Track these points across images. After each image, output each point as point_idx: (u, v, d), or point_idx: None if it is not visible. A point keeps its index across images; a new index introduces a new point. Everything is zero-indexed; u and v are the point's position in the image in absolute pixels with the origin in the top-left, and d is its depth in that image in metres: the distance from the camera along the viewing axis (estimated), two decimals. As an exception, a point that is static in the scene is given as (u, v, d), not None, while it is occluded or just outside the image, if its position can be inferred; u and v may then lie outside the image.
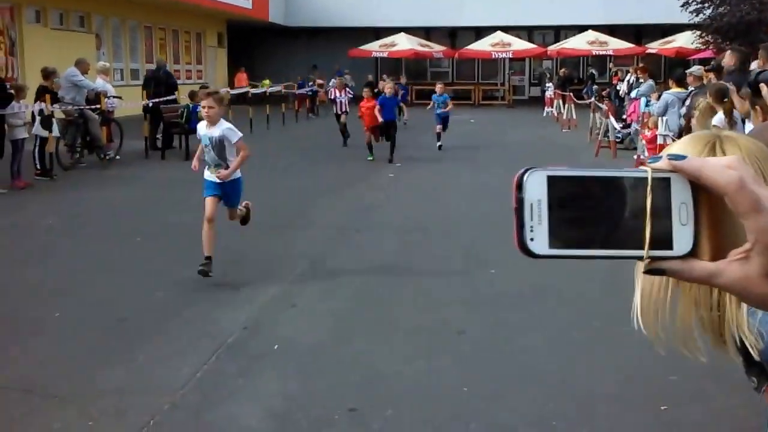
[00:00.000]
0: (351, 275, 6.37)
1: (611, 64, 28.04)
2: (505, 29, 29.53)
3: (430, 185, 11.08)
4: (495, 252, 7.01)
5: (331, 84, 21.81)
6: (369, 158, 13.46)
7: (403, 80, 24.80)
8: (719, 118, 8.16)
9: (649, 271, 0.70)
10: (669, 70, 22.92)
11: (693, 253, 0.68)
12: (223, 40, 30.71)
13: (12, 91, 10.28)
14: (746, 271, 0.67)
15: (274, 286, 5.97)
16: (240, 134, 6.20)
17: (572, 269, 6.13)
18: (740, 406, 3.78)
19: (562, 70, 26.76)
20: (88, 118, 12.19)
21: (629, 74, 19.05)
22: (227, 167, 6.10)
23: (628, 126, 15.29)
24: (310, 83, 25.25)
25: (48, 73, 11.55)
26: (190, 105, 13.78)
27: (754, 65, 10.45)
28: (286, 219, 8.61)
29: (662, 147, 11.04)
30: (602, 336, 4.87)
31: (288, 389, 4.09)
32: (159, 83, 15.81)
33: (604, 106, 15.56)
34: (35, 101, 11.11)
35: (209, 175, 6.18)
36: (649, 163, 0.69)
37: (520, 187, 0.67)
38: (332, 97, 16.70)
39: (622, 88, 18.28)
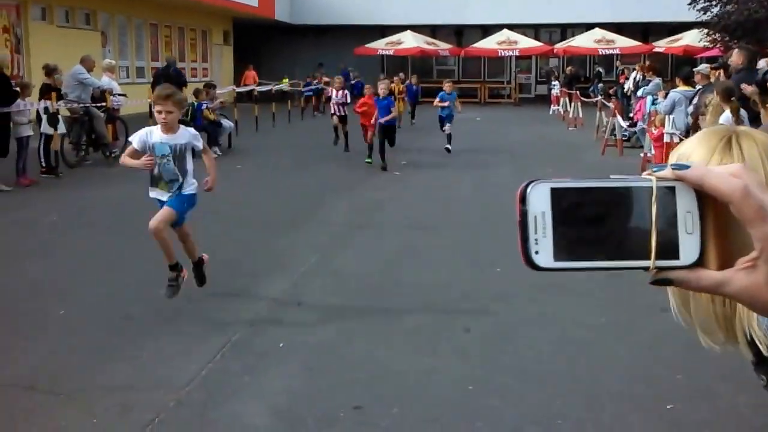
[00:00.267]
0: (356, 273, 6.36)
1: (618, 62, 27.99)
2: (512, 27, 29.47)
3: (435, 183, 11.05)
4: (500, 250, 6.99)
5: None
6: (367, 161, 12.58)
7: (413, 80, 23.09)
8: (726, 116, 8.12)
9: (655, 282, 0.69)
10: (676, 69, 22.87)
11: (700, 262, 0.68)
12: (229, 38, 30.72)
13: (17, 89, 10.28)
14: (753, 279, 0.66)
15: (279, 283, 5.95)
16: (203, 141, 5.55)
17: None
18: (746, 404, 3.76)
19: (569, 68, 26.70)
20: (93, 116, 12.19)
21: (635, 72, 18.99)
22: (182, 181, 5.27)
23: (635, 124, 15.25)
24: (315, 81, 25.24)
25: (50, 70, 11.55)
26: (195, 103, 13.78)
27: (762, 63, 10.41)
28: (291, 217, 8.60)
29: (669, 145, 11.00)
30: (608, 334, 4.85)
31: (293, 387, 4.08)
32: (169, 81, 15.80)
33: (610, 105, 15.52)
34: (40, 99, 11.11)
35: (159, 193, 5.31)
36: (654, 171, 0.68)
37: (523, 199, 0.66)
38: (328, 96, 15.55)
39: (628, 86, 18.23)
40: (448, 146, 14.12)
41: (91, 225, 8.12)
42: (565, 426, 3.65)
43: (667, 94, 11.97)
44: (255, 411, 3.78)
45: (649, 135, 12.40)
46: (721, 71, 11.93)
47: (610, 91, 19.18)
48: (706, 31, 21.05)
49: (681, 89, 11.23)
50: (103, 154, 12.47)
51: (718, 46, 20.57)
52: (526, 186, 0.66)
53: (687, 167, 0.67)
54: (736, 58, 9.84)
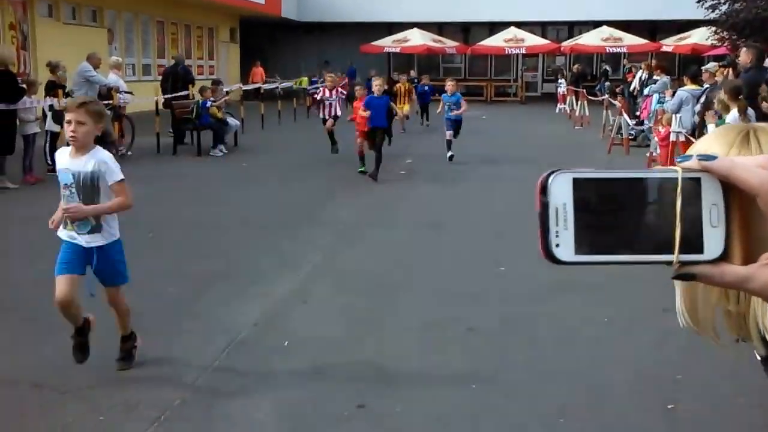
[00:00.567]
0: (362, 272, 6.37)
1: (625, 60, 27.90)
2: (519, 24, 29.42)
3: (441, 182, 11.05)
4: (505, 249, 7.00)
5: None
6: (360, 169, 11.36)
7: (425, 79, 21.20)
8: (733, 115, 8.11)
9: (678, 277, 0.67)
10: (683, 67, 22.82)
11: (723, 257, 0.65)
12: (236, 35, 30.74)
13: (24, 86, 10.29)
14: None
15: (285, 282, 5.97)
16: (121, 174, 4.21)
17: (581, 267, 6.11)
18: (747, 405, 3.78)
19: (575, 66, 26.64)
20: (100, 114, 12.20)
21: (641, 71, 18.95)
22: (98, 223, 4.09)
23: (642, 123, 15.22)
24: (321, 80, 25.21)
25: (53, 67, 11.60)
26: (200, 101, 13.80)
27: (770, 62, 10.36)
28: (297, 215, 8.61)
29: (675, 144, 10.98)
30: (610, 334, 4.87)
31: (298, 385, 4.09)
32: (177, 79, 15.85)
33: (617, 103, 15.48)
34: (45, 96, 11.13)
35: (68, 233, 4.09)
36: (678, 162, 0.66)
37: (544, 190, 0.64)
38: (319, 98, 13.54)
39: (634, 85, 18.19)
40: (450, 153, 12.72)
41: (97, 222, 8.13)
42: (568, 424, 3.66)
43: (674, 93, 11.96)
44: (260, 409, 3.80)
45: (655, 134, 12.38)
46: (730, 70, 11.92)
47: (617, 90, 19.15)
48: (714, 29, 20.98)
49: (688, 88, 11.22)
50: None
51: (725, 44, 20.50)
52: (548, 176, 0.65)
53: (714, 158, 0.65)
54: (744, 56, 9.82)
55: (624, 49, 28.21)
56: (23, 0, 17.81)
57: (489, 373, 4.24)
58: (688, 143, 10.59)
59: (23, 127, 10.28)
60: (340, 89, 13.45)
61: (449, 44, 30.81)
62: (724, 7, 20.07)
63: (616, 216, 0.64)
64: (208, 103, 13.69)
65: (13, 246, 7.12)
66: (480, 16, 30.49)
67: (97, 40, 19.46)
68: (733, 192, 0.65)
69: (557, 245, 0.64)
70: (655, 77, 16.09)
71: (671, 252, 0.64)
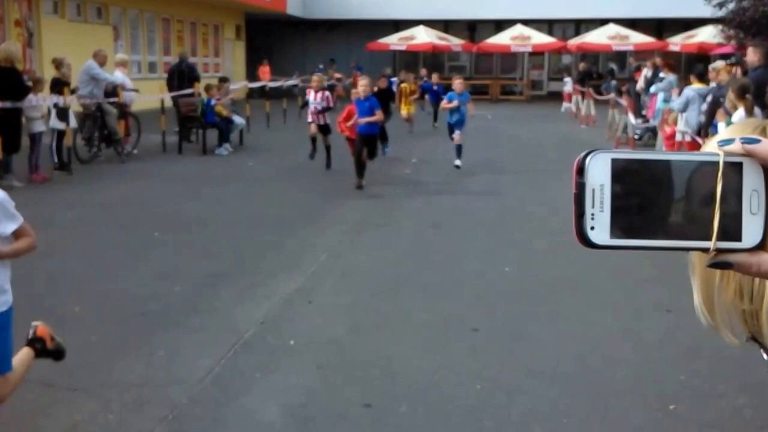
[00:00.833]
0: (367, 271, 6.40)
1: (632, 58, 27.84)
2: (526, 22, 29.38)
3: (446, 182, 11.07)
4: (509, 250, 7.02)
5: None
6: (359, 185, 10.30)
7: (435, 78, 20.22)
8: (740, 114, 8.12)
9: (714, 265, 0.64)
10: (689, 65, 22.72)
11: (761, 246, 0.63)
12: (242, 32, 30.77)
13: (30, 84, 10.29)
14: None
15: (290, 281, 6.00)
16: (20, 216, 3.44)
17: (585, 266, 6.14)
18: (748, 405, 3.80)
19: (581, 64, 26.60)
20: (105, 112, 12.24)
21: (646, 69, 18.89)
22: None
23: (648, 121, 15.21)
24: (328, 78, 25.21)
25: (58, 64, 11.66)
26: (205, 99, 13.83)
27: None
28: (301, 215, 8.65)
29: (681, 144, 10.98)
30: (613, 334, 4.89)
31: (304, 384, 4.13)
32: (182, 76, 15.89)
33: (623, 102, 15.47)
34: (50, 93, 11.16)
35: None
36: (721, 145, 0.64)
37: (581, 171, 0.62)
38: (306, 100, 12.37)
39: (640, 83, 18.15)
40: (458, 162, 11.56)
41: (104, 221, 8.19)
42: (570, 424, 3.69)
43: (680, 91, 11.94)
44: (266, 408, 3.84)
45: (662, 133, 12.37)
46: (738, 68, 11.91)
47: (623, 89, 19.12)
48: (721, 27, 20.93)
49: (695, 87, 11.21)
50: (116, 151, 12.54)
51: (732, 43, 20.45)
52: (585, 157, 0.62)
53: (758, 141, 0.62)
54: (751, 55, 9.82)
55: (630, 47, 28.17)
56: (29, -3, 17.87)
57: (493, 373, 4.26)
58: (693, 143, 10.59)
59: (30, 126, 10.29)
60: (328, 92, 12.05)
61: (455, 42, 30.79)
62: (731, 5, 20.02)
63: (653, 199, 0.62)
64: (213, 102, 13.71)
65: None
66: (486, 14, 30.47)
67: (102, 37, 19.51)
68: None
69: (592, 228, 0.62)
70: (661, 75, 16.07)
71: (708, 238, 0.62)
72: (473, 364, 4.42)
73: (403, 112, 17.66)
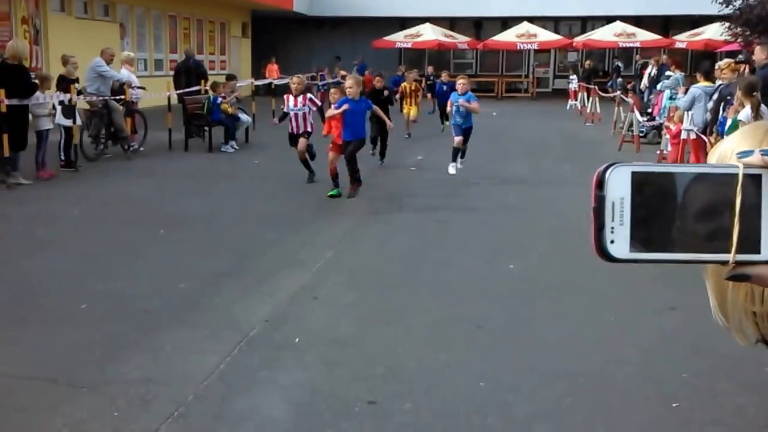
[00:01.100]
0: (372, 268, 6.42)
1: (638, 56, 27.79)
2: (532, 20, 29.33)
3: (450, 179, 11.06)
4: (514, 247, 7.03)
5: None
6: (330, 193, 9.28)
7: (445, 76, 18.10)
8: (746, 112, 8.10)
9: (732, 277, 0.65)
10: (695, 62, 22.66)
11: None
12: (248, 30, 30.79)
13: (36, 81, 10.32)
14: None
15: (295, 278, 6.02)
16: None
17: (589, 264, 6.13)
18: (750, 403, 3.81)
19: (587, 62, 26.56)
20: (112, 109, 12.27)
21: (650, 66, 18.86)
22: None
23: (654, 119, 15.18)
24: (333, 75, 25.22)
25: (65, 61, 11.69)
26: (211, 96, 13.84)
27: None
28: (307, 212, 8.65)
29: (686, 142, 10.95)
30: (617, 333, 4.89)
31: (309, 381, 4.14)
32: (189, 73, 15.91)
33: (629, 100, 15.44)
34: (56, 90, 11.18)
35: None
36: (740, 158, 0.64)
37: (601, 184, 0.62)
38: (285, 109, 10.57)
39: (644, 82, 18.12)
40: (452, 168, 10.69)
41: (110, 219, 8.22)
42: (574, 422, 3.70)
43: (687, 89, 11.91)
44: (272, 404, 3.85)
45: (666, 132, 12.35)
46: (746, 66, 11.88)
47: (629, 86, 19.08)
48: (727, 24, 20.88)
49: (701, 85, 11.17)
50: (122, 148, 12.57)
51: (738, 40, 20.40)
52: (605, 170, 0.62)
53: None
54: (759, 53, 9.80)
55: (637, 44, 28.10)
56: (36, -6, 17.92)
57: (497, 371, 4.27)
58: (699, 141, 10.56)
59: (36, 123, 10.31)
60: (310, 96, 10.55)
61: (461, 39, 30.75)
62: (737, 3, 19.96)
63: (673, 212, 0.62)
64: (219, 99, 13.73)
65: (27, 242, 7.19)
66: (492, 11, 30.42)
67: (109, 34, 19.55)
68: None
69: (612, 242, 0.62)
70: (668, 72, 16.04)
71: (727, 251, 0.62)
72: (477, 361, 4.42)
73: (404, 113, 16.30)
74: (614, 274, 5.70)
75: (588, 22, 31.41)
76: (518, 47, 29.49)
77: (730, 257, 0.63)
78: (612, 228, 0.62)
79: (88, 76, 12.11)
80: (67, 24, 18.68)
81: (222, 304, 5.39)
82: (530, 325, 5.03)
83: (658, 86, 16.06)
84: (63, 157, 11.09)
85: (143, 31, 23.21)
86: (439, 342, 4.73)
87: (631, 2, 28.37)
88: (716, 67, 11.98)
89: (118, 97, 12.51)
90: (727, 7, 20.31)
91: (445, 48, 30.48)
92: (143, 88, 13.82)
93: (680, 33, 28.65)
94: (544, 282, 5.93)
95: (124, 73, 13.22)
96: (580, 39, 29.61)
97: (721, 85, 10.15)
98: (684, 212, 0.62)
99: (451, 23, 31.40)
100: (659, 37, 28.33)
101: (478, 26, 32.51)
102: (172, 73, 17.63)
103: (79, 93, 11.61)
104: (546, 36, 29.45)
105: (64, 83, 11.32)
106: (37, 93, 10.15)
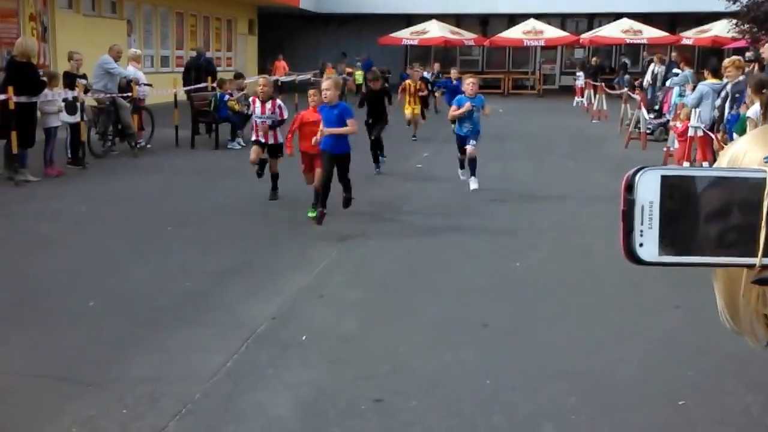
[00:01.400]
0: (377, 267, 6.43)
1: (645, 53, 27.71)
2: (538, 16, 29.28)
3: (456, 177, 11.04)
4: (519, 245, 7.03)
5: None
6: (310, 214, 7.98)
7: (454, 73, 17.36)
8: (755, 109, 8.09)
9: (758, 281, 0.65)
10: (702, 59, 22.58)
11: None
12: (254, 27, 30.82)
13: (44, 79, 10.35)
14: None
15: (302, 276, 6.04)
16: None
17: (593, 264, 6.14)
18: (756, 402, 3.81)
19: (593, 59, 26.49)
20: (119, 106, 12.30)
21: (653, 64, 18.79)
22: None
23: (662, 115, 15.13)
24: (339, 72, 25.24)
25: (70, 57, 11.71)
26: (218, 93, 13.86)
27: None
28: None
29: (693, 140, 10.93)
30: (621, 332, 4.90)
31: (316, 379, 4.16)
32: (200, 71, 15.93)
33: (636, 97, 15.40)
34: (64, 87, 11.22)
35: None
36: (766, 162, 0.65)
37: (630, 188, 0.63)
38: (248, 113, 9.73)
39: (647, 79, 18.06)
40: (474, 184, 9.29)
41: (117, 216, 8.25)
42: (579, 421, 3.71)
43: (695, 86, 11.88)
44: (279, 402, 3.87)
45: (673, 129, 12.32)
46: (755, 64, 11.85)
47: (635, 83, 19.03)
48: (734, 21, 20.81)
49: (709, 82, 11.15)
50: (129, 145, 12.61)
51: (745, 37, 20.32)
52: (634, 173, 0.63)
53: None
54: (767, 51, 9.79)
55: (644, 41, 28.02)
56: (44, -9, 17.96)
57: (502, 369, 4.28)
58: (706, 138, 10.54)
59: (44, 120, 10.35)
60: (280, 101, 9.34)
61: (467, 36, 30.71)
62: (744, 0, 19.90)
63: (701, 216, 0.63)
64: (226, 97, 13.75)
65: (35, 239, 7.23)
66: (499, 8, 30.38)
67: (116, 31, 19.60)
68: None
69: (641, 245, 0.63)
70: (676, 70, 15.99)
71: (754, 254, 0.63)
72: (483, 360, 4.44)
73: (407, 112, 15.12)
74: (619, 274, 5.70)
75: (595, 19, 31.36)
76: (525, 44, 29.46)
77: (756, 261, 0.63)
78: (641, 231, 0.63)
79: (96, 73, 12.14)
80: (74, 21, 18.72)
81: (229, 302, 5.41)
82: (536, 324, 5.04)
83: (667, 83, 16.02)
84: (70, 155, 11.12)
85: (150, 28, 23.25)
86: (444, 340, 4.74)
87: (639, -1, 28.32)
88: (723, 66, 11.96)
89: (125, 94, 12.54)
90: (734, 3, 20.24)
91: (452, 45, 30.46)
92: (150, 85, 13.85)
93: (687, 30, 28.56)
94: (550, 280, 5.94)
95: (131, 70, 13.25)
96: (586, 36, 29.55)
97: (728, 82, 10.13)
98: (711, 216, 0.63)
99: (457, 20, 31.37)
100: (666, 33, 28.25)
101: (484, 23, 32.48)
102: (178, 70, 17.66)
103: (86, 90, 11.64)
104: (552, 33, 29.40)
105: (69, 79, 11.36)
106: (46, 90, 10.19)
